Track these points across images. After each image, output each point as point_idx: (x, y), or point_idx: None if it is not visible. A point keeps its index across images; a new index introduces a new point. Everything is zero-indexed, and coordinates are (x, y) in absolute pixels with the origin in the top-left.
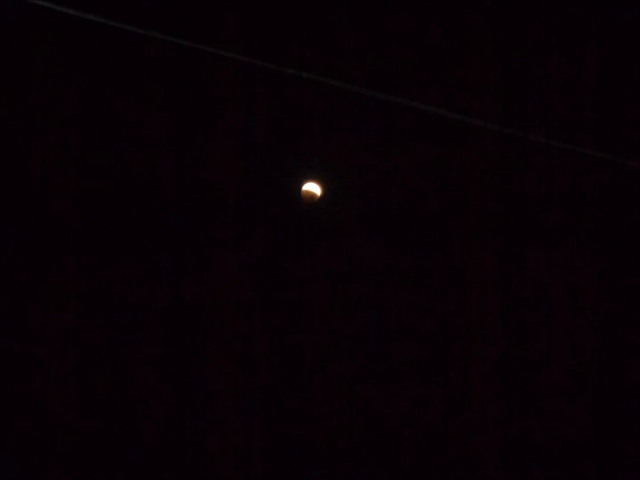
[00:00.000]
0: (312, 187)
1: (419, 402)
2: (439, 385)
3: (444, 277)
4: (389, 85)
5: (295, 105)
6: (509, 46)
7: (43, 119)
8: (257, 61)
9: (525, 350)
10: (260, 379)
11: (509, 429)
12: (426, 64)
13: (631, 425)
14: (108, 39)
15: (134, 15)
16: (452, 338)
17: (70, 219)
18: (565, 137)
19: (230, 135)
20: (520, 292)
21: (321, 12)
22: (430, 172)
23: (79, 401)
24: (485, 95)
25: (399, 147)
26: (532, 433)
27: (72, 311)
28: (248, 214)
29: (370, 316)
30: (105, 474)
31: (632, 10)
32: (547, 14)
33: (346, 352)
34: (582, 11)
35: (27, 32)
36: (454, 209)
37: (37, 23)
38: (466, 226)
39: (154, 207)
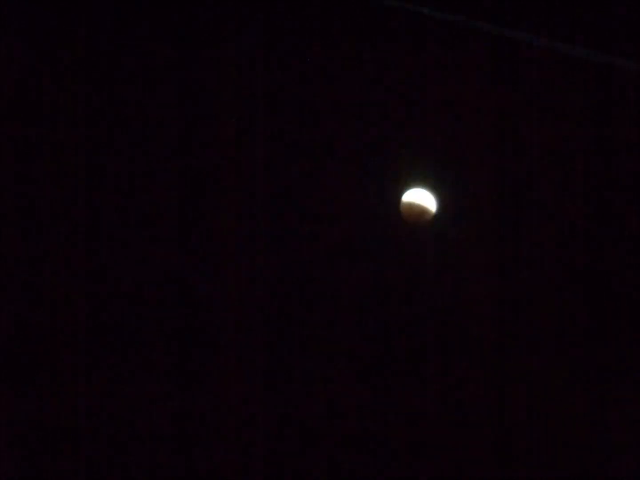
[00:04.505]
0: (420, 198)
1: (419, 402)
2: (439, 384)
3: None
4: None
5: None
6: None
7: (43, 119)
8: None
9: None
10: (261, 379)
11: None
12: None
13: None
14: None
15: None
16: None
17: (70, 218)
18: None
19: None
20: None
21: None
22: None
23: (79, 401)
24: None
25: None
26: (532, 432)
27: (72, 311)
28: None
29: (371, 315)
30: (105, 474)
31: None
32: None
33: (346, 351)
34: None
35: None
36: None
37: None
38: None
39: (158, 201)
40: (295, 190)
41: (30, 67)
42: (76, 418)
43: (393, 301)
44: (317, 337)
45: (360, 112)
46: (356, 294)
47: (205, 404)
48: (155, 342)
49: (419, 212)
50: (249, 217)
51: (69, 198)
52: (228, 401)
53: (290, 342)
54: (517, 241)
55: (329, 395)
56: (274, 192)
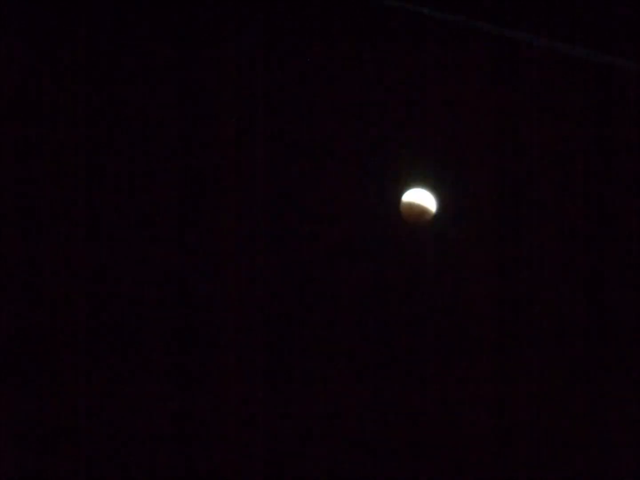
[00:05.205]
0: (420, 198)
1: (419, 402)
2: (439, 384)
3: None
4: None
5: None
6: None
7: (43, 119)
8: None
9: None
10: (261, 379)
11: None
12: None
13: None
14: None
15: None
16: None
17: (70, 218)
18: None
19: None
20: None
21: None
22: None
23: (79, 401)
24: None
25: None
26: (532, 432)
27: (72, 311)
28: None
29: (371, 315)
30: (105, 474)
31: None
32: None
33: (346, 352)
34: None
35: None
36: None
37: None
38: None
39: (158, 201)
40: (295, 190)
41: (30, 67)
42: (76, 418)
43: (393, 301)
44: (317, 337)
45: (360, 112)
46: (356, 294)
47: (205, 404)
48: (155, 342)
49: (419, 212)
50: (249, 217)
51: (69, 198)
52: (228, 401)
53: (290, 342)
54: (517, 241)
55: (329, 395)
56: (274, 192)
